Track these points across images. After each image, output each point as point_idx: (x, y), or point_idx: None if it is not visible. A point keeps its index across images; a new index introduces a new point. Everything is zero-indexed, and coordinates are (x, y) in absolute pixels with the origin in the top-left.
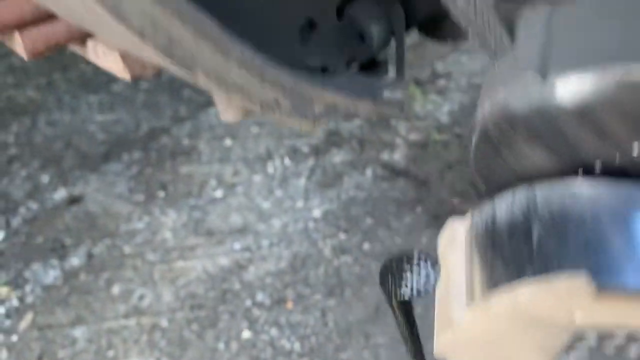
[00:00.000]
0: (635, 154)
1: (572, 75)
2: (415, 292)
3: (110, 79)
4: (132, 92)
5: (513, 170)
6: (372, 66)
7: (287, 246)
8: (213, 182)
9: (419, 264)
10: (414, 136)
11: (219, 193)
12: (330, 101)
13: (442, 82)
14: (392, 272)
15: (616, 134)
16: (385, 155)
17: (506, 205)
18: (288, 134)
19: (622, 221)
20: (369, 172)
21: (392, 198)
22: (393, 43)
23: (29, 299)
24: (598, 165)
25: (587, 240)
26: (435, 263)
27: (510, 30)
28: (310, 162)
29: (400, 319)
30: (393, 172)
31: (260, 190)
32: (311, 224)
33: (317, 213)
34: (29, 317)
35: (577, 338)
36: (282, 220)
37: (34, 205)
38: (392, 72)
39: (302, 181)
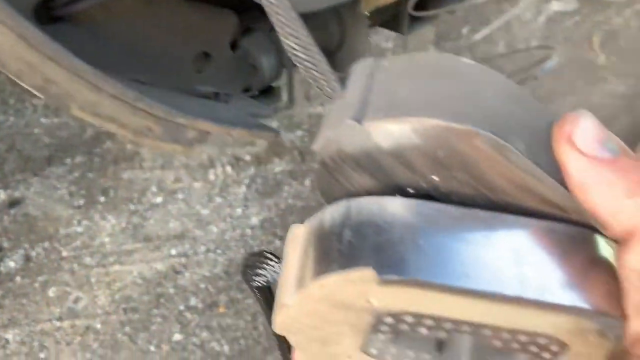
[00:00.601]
0: (435, 182)
1: (381, 123)
2: (265, 282)
3: None
4: None
5: (347, 190)
6: (267, 93)
7: (223, 252)
8: (154, 188)
9: (269, 260)
10: None
11: (159, 199)
12: (203, 128)
13: None
14: (250, 265)
15: (419, 167)
16: None
17: (330, 213)
18: (231, 142)
19: (407, 230)
20: (307, 182)
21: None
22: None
23: None
24: (410, 189)
25: (380, 242)
26: (280, 261)
27: (342, 79)
28: (252, 170)
29: (261, 301)
30: None
31: (200, 198)
32: (248, 231)
33: (255, 221)
34: None
35: (379, 319)
36: (220, 227)
37: None
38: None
39: (242, 189)
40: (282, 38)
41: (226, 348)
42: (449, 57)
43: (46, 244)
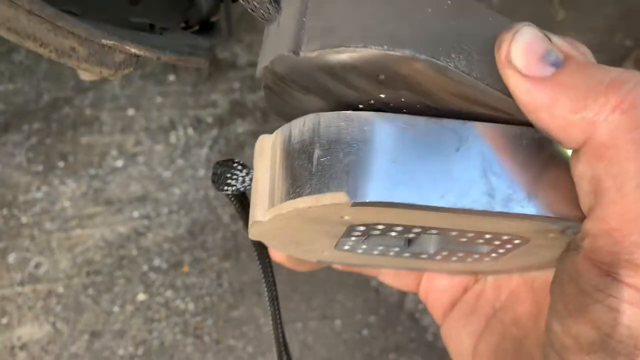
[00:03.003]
0: (383, 99)
1: (318, 54)
2: (235, 191)
3: (12, 48)
4: (33, 61)
5: (299, 109)
6: (207, 28)
7: (186, 213)
8: (114, 152)
9: (237, 170)
10: None
11: (119, 163)
12: (130, 51)
13: None
14: (218, 174)
15: (365, 88)
16: None
17: (298, 129)
18: (193, 104)
19: (378, 148)
20: None
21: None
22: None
23: None
24: (361, 106)
25: (351, 163)
26: (249, 170)
27: (277, 1)
28: (214, 132)
29: (236, 206)
30: None
31: (162, 160)
32: (211, 192)
33: None
34: None
35: (351, 228)
36: (182, 188)
37: None
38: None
39: (204, 151)
40: None
41: (191, 306)
42: None
43: (4, 211)
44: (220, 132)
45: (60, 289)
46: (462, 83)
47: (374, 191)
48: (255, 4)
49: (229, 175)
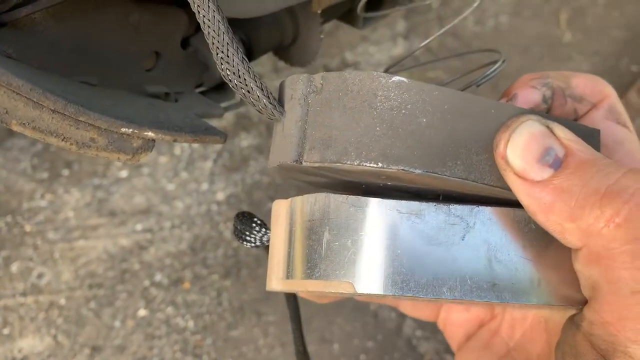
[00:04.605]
0: (386, 183)
1: (318, 165)
2: (252, 245)
3: None
4: None
5: (307, 182)
6: (220, 88)
7: (188, 228)
8: (118, 163)
9: (255, 230)
10: None
11: (123, 173)
12: (148, 136)
13: None
14: (240, 229)
15: (365, 180)
16: None
17: (310, 206)
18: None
19: (382, 241)
20: None
21: (293, 184)
22: None
23: None
24: (363, 185)
25: (356, 252)
26: (266, 232)
27: (280, 101)
28: (218, 145)
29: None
30: None
31: (166, 172)
32: (214, 207)
33: (220, 196)
34: None
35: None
36: (185, 202)
37: None
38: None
39: (208, 164)
40: (216, 62)
41: (191, 323)
42: (381, 80)
43: (9, 218)
44: (224, 145)
45: (62, 301)
46: (461, 184)
47: (377, 285)
48: (261, 107)
49: (247, 232)
